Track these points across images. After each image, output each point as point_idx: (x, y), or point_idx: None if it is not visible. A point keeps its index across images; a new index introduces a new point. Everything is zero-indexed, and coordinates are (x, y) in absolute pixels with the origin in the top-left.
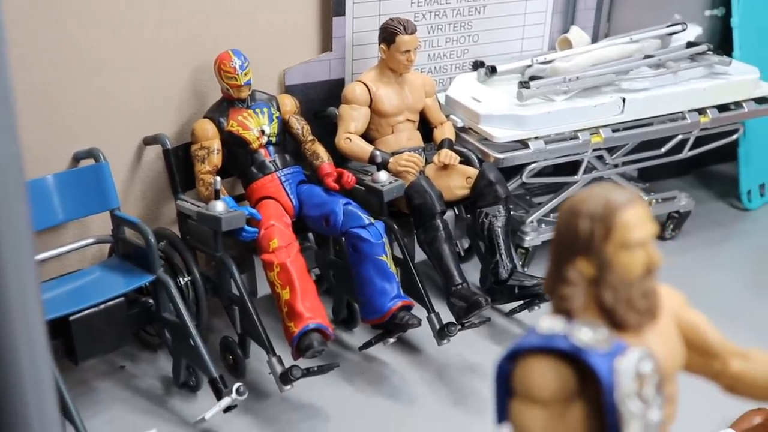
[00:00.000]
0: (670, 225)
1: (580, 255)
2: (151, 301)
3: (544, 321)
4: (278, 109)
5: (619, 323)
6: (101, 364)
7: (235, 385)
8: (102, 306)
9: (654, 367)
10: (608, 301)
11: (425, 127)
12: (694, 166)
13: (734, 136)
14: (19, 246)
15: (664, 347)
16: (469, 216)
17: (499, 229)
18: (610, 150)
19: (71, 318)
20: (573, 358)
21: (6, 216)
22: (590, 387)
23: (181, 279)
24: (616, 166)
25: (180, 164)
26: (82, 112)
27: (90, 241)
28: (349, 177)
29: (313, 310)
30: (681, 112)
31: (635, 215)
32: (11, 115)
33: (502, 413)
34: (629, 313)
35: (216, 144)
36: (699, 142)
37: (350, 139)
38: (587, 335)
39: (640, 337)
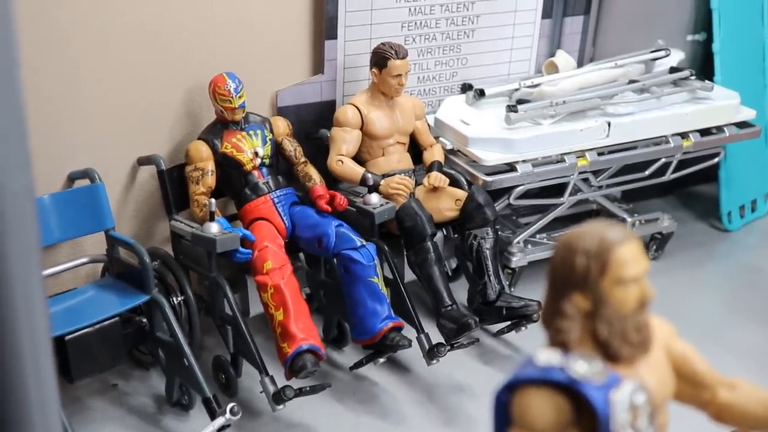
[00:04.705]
0: (653, 246)
1: (576, 290)
2: (144, 320)
3: (541, 353)
4: (271, 131)
5: (614, 356)
6: (94, 381)
7: (229, 405)
8: (98, 325)
9: (647, 398)
10: (603, 335)
11: (415, 148)
12: (675, 186)
13: (716, 160)
14: (29, 267)
15: (655, 378)
16: (457, 237)
17: (488, 251)
18: (596, 173)
19: (67, 338)
20: (569, 390)
21: (17, 239)
22: (585, 417)
23: (174, 298)
24: (600, 188)
25: (174, 185)
26: (77, 133)
27: (84, 260)
28: (341, 199)
29: (306, 331)
30: (664, 136)
31: (630, 252)
32: (26, 146)
33: None
34: (623, 346)
35: (210, 165)
36: (681, 164)
37: (342, 162)
38: (583, 368)
39: (633, 368)
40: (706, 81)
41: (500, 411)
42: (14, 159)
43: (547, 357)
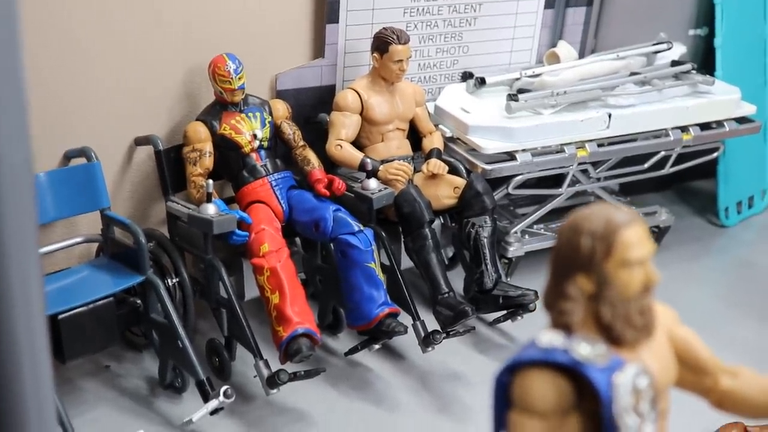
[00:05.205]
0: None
1: (580, 271)
2: (138, 301)
3: (543, 335)
4: (270, 113)
5: (617, 339)
6: (86, 363)
7: (223, 388)
8: (91, 305)
9: (650, 382)
10: (606, 317)
11: (414, 135)
12: (673, 181)
13: (715, 154)
14: (25, 244)
15: (658, 363)
16: (455, 225)
17: (485, 240)
18: (595, 164)
19: (60, 317)
20: (571, 372)
21: (14, 215)
22: (587, 400)
23: (169, 280)
24: (599, 179)
25: (171, 165)
26: (75, 111)
27: (79, 239)
28: (339, 184)
29: (301, 315)
30: (664, 129)
31: (635, 234)
32: (25, 118)
33: (500, 424)
34: (626, 329)
35: (208, 147)
36: (680, 158)
37: (341, 146)
38: (586, 350)
39: (636, 352)
40: (707, 75)
41: (500, 393)
42: (13, 131)
43: (550, 339)
